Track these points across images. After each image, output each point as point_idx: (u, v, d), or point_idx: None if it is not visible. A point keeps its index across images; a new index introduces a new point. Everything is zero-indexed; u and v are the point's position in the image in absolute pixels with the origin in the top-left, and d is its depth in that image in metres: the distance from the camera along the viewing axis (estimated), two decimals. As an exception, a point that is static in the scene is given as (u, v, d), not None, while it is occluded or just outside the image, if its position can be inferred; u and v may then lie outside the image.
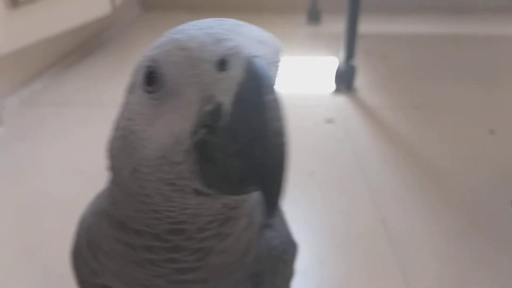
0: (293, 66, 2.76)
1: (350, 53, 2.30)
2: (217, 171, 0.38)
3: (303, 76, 2.61)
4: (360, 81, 2.41)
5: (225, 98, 0.35)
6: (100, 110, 1.91)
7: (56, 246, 1.19)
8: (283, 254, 0.59)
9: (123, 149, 0.42)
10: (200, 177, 0.39)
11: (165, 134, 0.39)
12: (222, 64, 0.36)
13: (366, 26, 2.43)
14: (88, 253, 0.54)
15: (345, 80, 2.34)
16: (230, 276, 0.52)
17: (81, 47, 2.78)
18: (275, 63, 0.39)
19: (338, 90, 2.36)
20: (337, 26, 3.08)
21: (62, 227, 1.26)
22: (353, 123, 2.02)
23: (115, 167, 0.45)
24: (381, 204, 1.44)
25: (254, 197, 0.52)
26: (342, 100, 2.27)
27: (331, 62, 2.70)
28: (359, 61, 2.36)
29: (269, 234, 0.57)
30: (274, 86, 0.35)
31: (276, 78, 0.39)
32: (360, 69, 2.38)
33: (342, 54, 2.33)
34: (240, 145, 0.35)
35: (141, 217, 0.45)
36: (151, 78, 0.39)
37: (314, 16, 3.68)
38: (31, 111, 2.06)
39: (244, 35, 0.37)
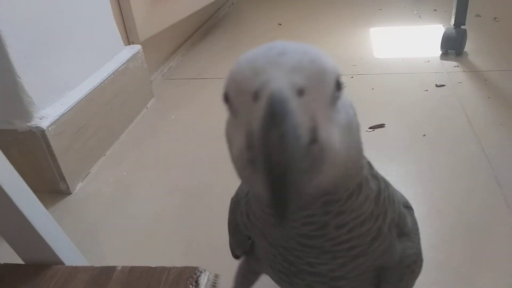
0: (402, 32, 2.81)
1: (461, 17, 2.30)
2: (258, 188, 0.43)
3: (412, 42, 2.65)
4: (471, 45, 2.41)
5: (255, 126, 0.39)
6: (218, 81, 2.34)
7: (217, 191, 1.54)
8: (413, 264, 0.62)
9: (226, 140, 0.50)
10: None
11: (237, 143, 0.45)
12: (256, 96, 0.40)
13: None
14: (244, 208, 0.64)
15: (456, 45, 2.35)
16: (357, 259, 0.57)
17: (202, 26, 3.15)
18: (312, 86, 0.41)
19: (448, 55, 2.39)
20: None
21: (219, 176, 1.59)
22: (464, 87, 2.06)
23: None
24: (494, 163, 1.52)
25: (381, 189, 0.58)
26: (452, 65, 2.30)
27: (441, 28, 2.71)
28: (468, 25, 2.35)
29: (406, 244, 0.61)
30: (293, 119, 0.37)
31: (313, 103, 0.41)
32: (470, 33, 2.38)
33: (453, 18, 2.34)
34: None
35: None
36: (226, 97, 0.45)
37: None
38: (170, 84, 2.46)
39: (280, 65, 0.41)
